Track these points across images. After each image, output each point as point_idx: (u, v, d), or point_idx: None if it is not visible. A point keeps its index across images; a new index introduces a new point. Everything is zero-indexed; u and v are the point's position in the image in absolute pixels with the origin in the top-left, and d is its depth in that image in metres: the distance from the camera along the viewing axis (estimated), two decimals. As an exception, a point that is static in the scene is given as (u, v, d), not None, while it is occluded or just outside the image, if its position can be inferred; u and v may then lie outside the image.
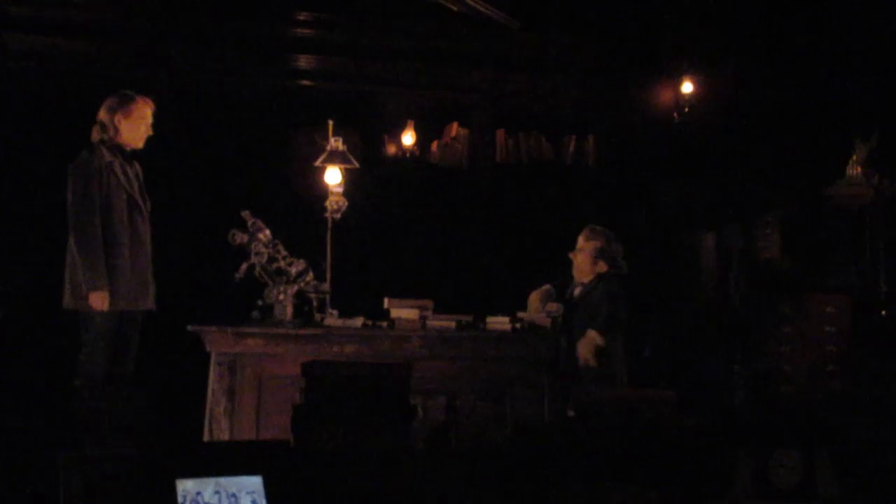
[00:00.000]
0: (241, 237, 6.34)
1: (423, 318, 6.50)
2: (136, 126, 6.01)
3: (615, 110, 8.85)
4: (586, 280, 6.12)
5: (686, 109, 8.55)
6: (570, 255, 6.19)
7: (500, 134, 8.92)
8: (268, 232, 6.40)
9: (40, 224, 7.31)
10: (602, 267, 6.08)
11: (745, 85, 8.42)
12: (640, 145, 8.79)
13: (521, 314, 6.44)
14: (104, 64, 7.88)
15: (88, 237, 5.76)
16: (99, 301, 5.75)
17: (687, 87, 8.55)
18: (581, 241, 6.17)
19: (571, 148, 9.03)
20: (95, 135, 5.98)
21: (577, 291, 6.17)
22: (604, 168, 8.96)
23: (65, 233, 5.86)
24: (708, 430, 5.85)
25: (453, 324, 6.50)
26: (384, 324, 6.44)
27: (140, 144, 6.06)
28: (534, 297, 6.27)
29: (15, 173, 7.55)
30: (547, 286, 6.26)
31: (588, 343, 5.82)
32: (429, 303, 6.66)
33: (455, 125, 8.93)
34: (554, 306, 6.29)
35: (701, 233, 8.74)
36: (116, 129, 5.97)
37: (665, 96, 8.71)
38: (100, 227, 5.78)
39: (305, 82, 8.45)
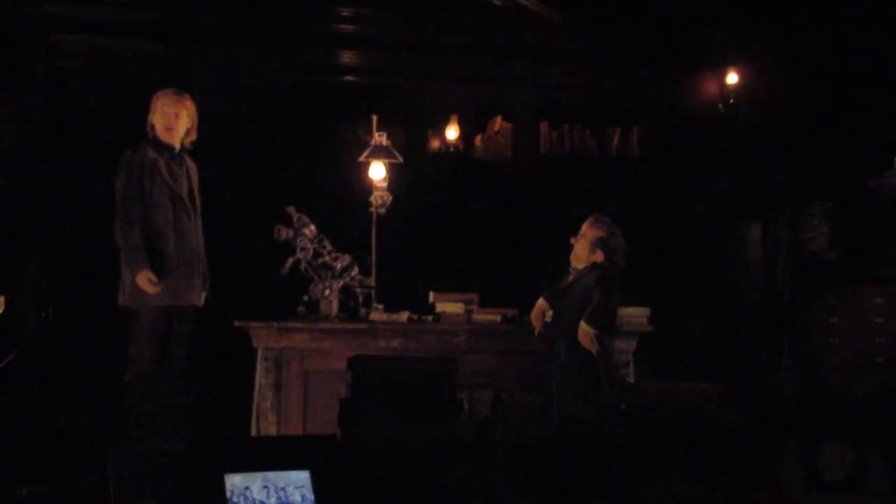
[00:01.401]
0: (286, 232, 6.36)
1: (468, 312, 6.50)
2: (161, 119, 6.02)
3: (659, 102, 8.77)
4: (580, 267, 6.05)
5: (731, 100, 8.45)
6: (572, 241, 6.11)
7: (544, 127, 8.88)
8: (313, 227, 6.41)
9: (90, 222, 7.36)
10: (599, 256, 5.99)
11: (790, 74, 8.31)
12: (685, 137, 8.71)
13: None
14: (151, 63, 7.91)
15: (127, 228, 5.79)
16: (145, 281, 5.75)
17: (732, 78, 8.45)
18: (584, 227, 6.09)
19: (615, 140, 8.97)
20: (148, 132, 6.05)
21: (569, 279, 6.09)
22: (648, 160, 8.89)
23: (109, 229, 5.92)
24: (756, 423, 5.80)
25: (498, 317, 6.49)
26: (430, 318, 6.44)
27: (169, 139, 6.03)
28: (534, 319, 6.18)
29: (64, 172, 7.59)
30: (541, 302, 6.16)
31: (584, 335, 5.74)
32: (474, 296, 6.65)
33: (499, 119, 8.90)
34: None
35: (747, 224, 8.65)
36: (153, 126, 6.03)
37: (709, 87, 8.61)
38: (140, 214, 5.81)
39: (349, 78, 8.44)
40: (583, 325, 5.75)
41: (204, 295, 6.15)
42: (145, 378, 5.80)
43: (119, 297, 5.92)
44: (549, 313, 6.14)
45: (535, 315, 6.14)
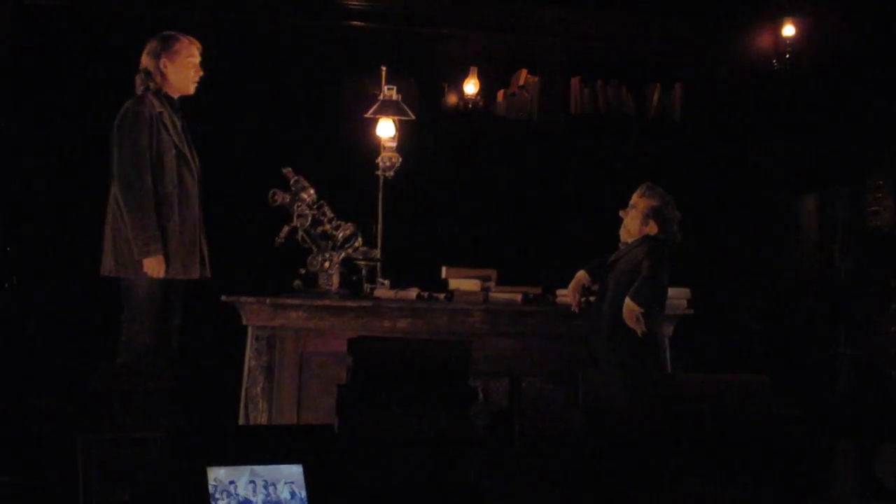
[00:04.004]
0: (282, 197, 6.35)
1: (485, 290, 6.49)
2: (184, 69, 6.06)
3: (706, 56, 8.74)
4: (630, 241, 6.06)
5: (787, 55, 8.42)
6: (621, 213, 6.12)
7: (575, 82, 8.86)
8: (312, 191, 6.41)
9: (61, 180, 7.39)
10: (652, 228, 6.01)
11: (854, 26, 8.26)
12: (734, 96, 8.68)
13: (560, 292, 6.40)
14: (135, 3, 7.89)
15: (140, 198, 5.80)
16: (155, 267, 5.81)
17: (788, 30, 8.41)
18: (635, 197, 6.09)
19: (655, 98, 8.94)
20: (140, 84, 6.03)
21: (616, 255, 6.09)
22: (692, 122, 8.86)
23: (92, 191, 5.92)
24: (807, 420, 5.79)
25: (519, 297, 6.48)
26: (441, 296, 6.44)
27: (191, 89, 6.13)
28: (571, 292, 6.19)
29: (36, 124, 7.60)
30: (582, 274, 6.17)
31: (629, 313, 5.75)
32: (492, 273, 6.65)
33: (524, 72, 8.88)
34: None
35: (802, 196, 8.63)
36: (163, 76, 6.03)
37: (763, 40, 8.58)
38: (152, 186, 5.83)
39: (355, 23, 8.42)
40: (628, 301, 5.76)
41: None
42: (143, 359, 5.82)
43: (104, 266, 5.93)
44: (594, 288, 6.14)
45: (573, 288, 6.15)
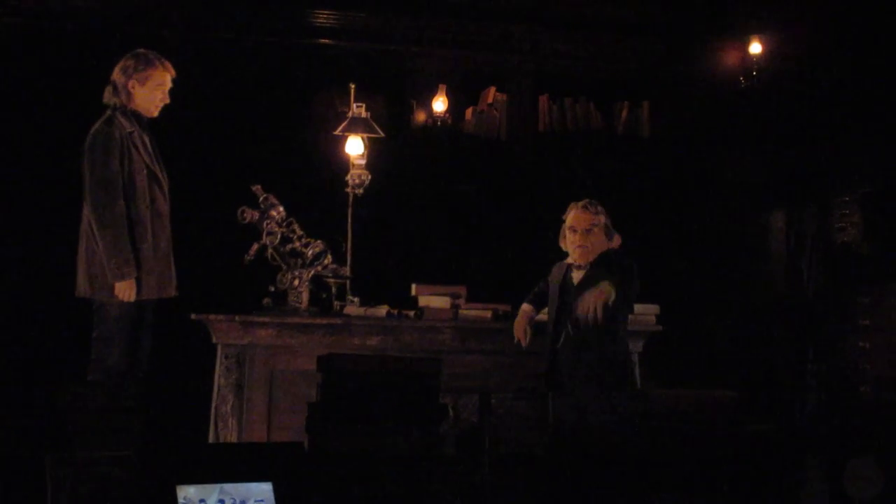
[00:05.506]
0: (251, 214, 6.35)
1: (454, 307, 6.50)
2: (151, 93, 6.01)
3: (673, 74, 8.78)
4: (591, 259, 5.99)
5: (754, 73, 8.45)
6: (580, 239, 6.05)
7: (543, 100, 8.88)
8: (281, 209, 6.41)
9: (25, 198, 7.36)
10: (616, 241, 6.02)
11: (822, 45, 8.32)
12: (702, 113, 8.72)
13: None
14: (107, 19, 7.86)
15: (113, 221, 5.76)
16: (126, 291, 5.78)
17: (755, 48, 8.45)
18: (589, 217, 5.98)
19: (624, 116, 8.98)
20: (107, 96, 5.99)
21: (575, 277, 6.02)
22: (660, 139, 8.90)
23: (55, 210, 5.89)
24: (776, 435, 5.82)
25: (489, 313, 6.50)
26: (411, 313, 6.44)
27: (154, 113, 6.07)
28: (519, 328, 6.18)
29: (6, 141, 7.57)
30: (528, 307, 6.18)
31: (601, 294, 5.73)
32: (461, 290, 6.66)
33: (492, 90, 8.90)
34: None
35: (770, 213, 8.67)
36: (129, 95, 5.98)
37: (731, 58, 8.62)
38: (124, 209, 5.80)
39: (324, 41, 8.42)
40: (603, 283, 5.75)
41: None
42: (113, 378, 5.79)
43: (78, 288, 5.90)
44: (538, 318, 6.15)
45: (519, 325, 6.12)
